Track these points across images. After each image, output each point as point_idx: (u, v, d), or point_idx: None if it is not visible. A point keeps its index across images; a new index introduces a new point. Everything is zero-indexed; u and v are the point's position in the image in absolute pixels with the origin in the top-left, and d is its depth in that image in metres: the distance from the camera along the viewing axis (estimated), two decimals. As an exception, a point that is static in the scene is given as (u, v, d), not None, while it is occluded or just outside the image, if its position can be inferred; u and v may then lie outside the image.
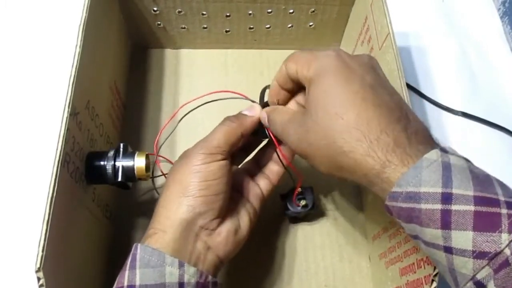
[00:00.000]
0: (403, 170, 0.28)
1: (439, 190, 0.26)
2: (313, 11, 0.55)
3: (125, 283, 0.31)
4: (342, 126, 0.30)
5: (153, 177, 0.44)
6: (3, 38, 0.59)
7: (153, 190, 0.50)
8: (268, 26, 0.57)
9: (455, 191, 0.26)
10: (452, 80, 0.61)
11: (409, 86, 0.59)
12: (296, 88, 0.38)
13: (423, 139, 0.30)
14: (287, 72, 0.36)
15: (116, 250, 0.47)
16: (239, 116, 0.39)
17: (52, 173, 0.32)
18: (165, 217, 0.34)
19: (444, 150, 0.28)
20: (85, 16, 0.40)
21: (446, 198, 0.26)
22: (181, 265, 0.32)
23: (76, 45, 0.38)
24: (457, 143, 0.56)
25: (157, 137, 0.46)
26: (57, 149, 0.33)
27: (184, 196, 0.34)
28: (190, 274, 0.32)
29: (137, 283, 0.31)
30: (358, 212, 0.51)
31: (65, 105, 0.35)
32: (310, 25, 0.58)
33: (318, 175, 0.52)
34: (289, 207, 0.46)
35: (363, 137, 0.29)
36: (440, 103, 0.59)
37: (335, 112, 0.30)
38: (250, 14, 0.55)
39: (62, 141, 0.34)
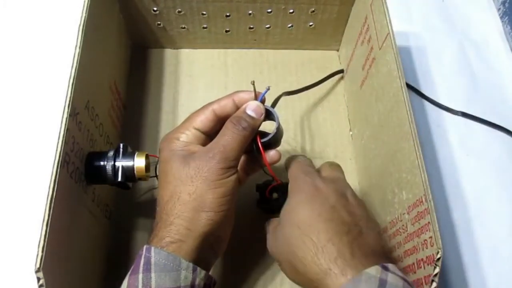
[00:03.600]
0: (342, 280, 0.30)
1: None
2: (313, 11, 0.55)
3: (140, 286, 0.32)
4: (298, 234, 0.34)
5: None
6: (3, 38, 0.59)
7: (153, 190, 0.51)
8: (268, 26, 0.57)
9: None
10: (452, 80, 0.61)
11: (409, 86, 0.59)
12: None
13: (369, 252, 0.32)
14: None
15: (116, 250, 0.47)
16: (249, 120, 0.37)
17: (52, 174, 0.32)
18: (186, 228, 0.34)
19: (385, 267, 0.31)
20: (85, 16, 0.40)
21: None
22: (194, 270, 0.33)
23: (76, 46, 0.38)
24: (457, 143, 0.56)
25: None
26: (56, 149, 0.33)
27: (203, 211, 0.34)
28: (201, 277, 0.34)
29: (153, 286, 0.31)
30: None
31: (64, 105, 0.35)
32: (310, 25, 0.58)
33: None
34: (261, 198, 0.46)
35: (312, 245, 0.32)
36: (440, 103, 0.59)
37: (296, 223, 0.34)
38: (250, 14, 0.55)
39: (62, 141, 0.34)
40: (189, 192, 0.34)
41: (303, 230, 0.34)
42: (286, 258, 0.35)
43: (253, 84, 0.37)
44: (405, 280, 0.30)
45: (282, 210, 0.37)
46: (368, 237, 0.34)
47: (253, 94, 0.38)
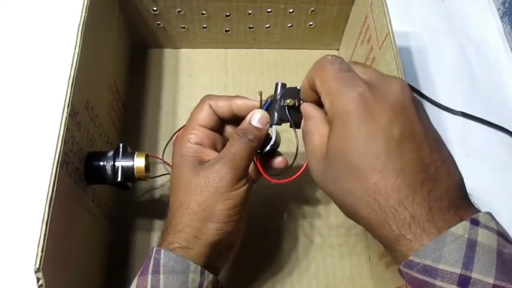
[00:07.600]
0: (417, 246, 0.25)
1: (458, 271, 0.24)
2: (313, 11, 0.55)
3: (148, 287, 0.32)
4: (358, 190, 0.27)
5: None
6: (3, 38, 0.59)
7: (153, 190, 0.51)
8: (268, 25, 0.57)
9: (474, 275, 0.24)
10: (452, 80, 0.61)
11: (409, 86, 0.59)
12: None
13: (450, 203, 0.26)
14: (309, 85, 0.33)
15: (116, 250, 0.47)
16: (255, 132, 0.36)
17: (51, 174, 0.32)
18: (194, 236, 0.34)
19: (474, 222, 0.25)
20: (85, 16, 0.40)
21: (464, 281, 0.24)
22: (202, 273, 0.33)
23: (75, 45, 0.38)
24: (457, 143, 0.56)
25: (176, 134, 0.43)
26: (56, 149, 0.33)
27: (212, 222, 0.34)
28: (208, 280, 0.34)
29: (161, 287, 0.32)
30: (358, 212, 0.51)
31: (64, 105, 0.35)
32: (310, 25, 0.57)
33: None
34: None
35: (379, 208, 0.27)
36: (440, 103, 0.59)
37: (355, 175, 0.28)
38: (250, 13, 0.55)
39: (61, 141, 0.34)
40: (198, 202, 0.34)
41: (362, 183, 0.27)
42: (343, 206, 0.30)
43: (261, 95, 0.38)
44: (499, 233, 0.25)
45: (329, 138, 0.30)
46: (448, 177, 0.27)
47: (249, 102, 0.38)
